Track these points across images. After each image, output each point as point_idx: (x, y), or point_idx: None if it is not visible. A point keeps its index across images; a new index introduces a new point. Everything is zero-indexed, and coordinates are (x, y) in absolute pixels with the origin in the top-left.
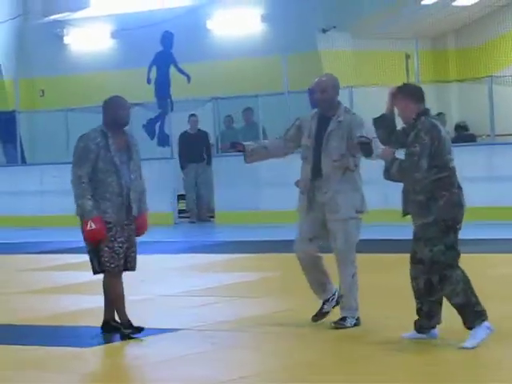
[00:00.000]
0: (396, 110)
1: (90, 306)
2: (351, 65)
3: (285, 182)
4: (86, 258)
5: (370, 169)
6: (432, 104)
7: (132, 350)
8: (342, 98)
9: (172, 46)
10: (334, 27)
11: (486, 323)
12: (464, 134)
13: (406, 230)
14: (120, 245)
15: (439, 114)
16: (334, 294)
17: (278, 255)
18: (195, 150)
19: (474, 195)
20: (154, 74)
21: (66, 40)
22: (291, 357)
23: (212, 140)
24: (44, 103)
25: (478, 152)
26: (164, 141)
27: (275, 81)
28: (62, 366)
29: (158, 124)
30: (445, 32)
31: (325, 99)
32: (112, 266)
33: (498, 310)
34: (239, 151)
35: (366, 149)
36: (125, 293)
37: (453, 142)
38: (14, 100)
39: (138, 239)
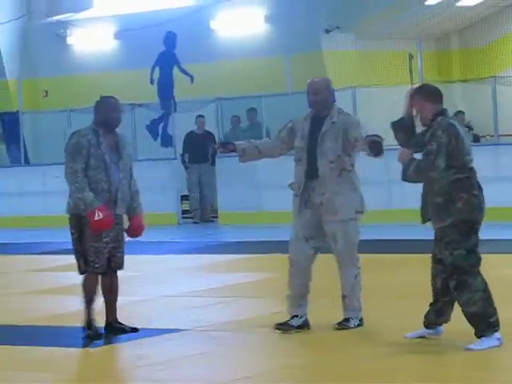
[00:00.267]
0: (414, 112)
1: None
2: (354, 65)
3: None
4: None
5: (372, 169)
6: None
7: (135, 350)
8: (346, 98)
9: (175, 46)
10: (338, 27)
11: (496, 334)
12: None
13: (405, 230)
14: (104, 245)
15: (458, 113)
16: (304, 314)
17: (281, 256)
18: (200, 150)
19: None
20: (157, 75)
21: (70, 40)
22: (295, 357)
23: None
24: (47, 104)
25: (482, 152)
26: (167, 141)
27: (279, 81)
28: (64, 367)
29: (161, 125)
30: (448, 32)
31: (318, 100)
32: (96, 265)
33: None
34: (231, 151)
35: (378, 148)
36: (127, 293)
37: None
38: (18, 100)
39: (143, 240)
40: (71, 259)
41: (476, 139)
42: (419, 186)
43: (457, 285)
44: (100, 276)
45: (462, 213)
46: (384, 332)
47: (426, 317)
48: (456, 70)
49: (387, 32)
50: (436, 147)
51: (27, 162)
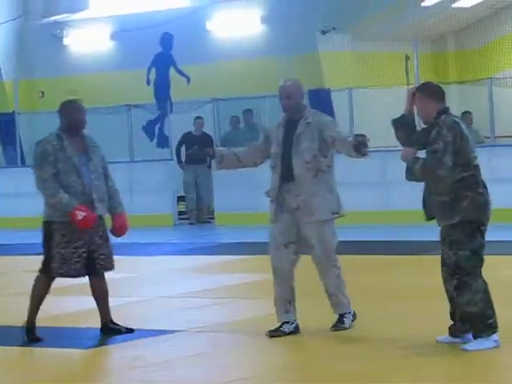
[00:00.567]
0: (415, 110)
1: (90, 307)
2: (351, 66)
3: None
4: None
5: (370, 171)
6: None
7: (131, 351)
8: (342, 99)
9: (171, 47)
10: (334, 28)
11: (494, 336)
12: None
13: (404, 231)
14: (73, 250)
15: (465, 113)
16: (295, 320)
17: None
18: None
19: None
20: (153, 76)
21: (66, 41)
22: (291, 358)
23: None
24: (44, 104)
25: (478, 154)
26: (163, 142)
27: (275, 82)
28: (62, 367)
29: (157, 125)
30: (444, 34)
31: (292, 105)
32: (60, 271)
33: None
34: (209, 156)
35: (364, 149)
36: (124, 294)
37: None
38: (14, 101)
39: (139, 241)
40: None
41: (480, 140)
42: (418, 187)
43: (458, 285)
44: (89, 280)
45: (468, 212)
46: (379, 333)
47: (450, 328)
48: (452, 72)
49: (383, 33)
50: (442, 146)
51: (24, 162)
